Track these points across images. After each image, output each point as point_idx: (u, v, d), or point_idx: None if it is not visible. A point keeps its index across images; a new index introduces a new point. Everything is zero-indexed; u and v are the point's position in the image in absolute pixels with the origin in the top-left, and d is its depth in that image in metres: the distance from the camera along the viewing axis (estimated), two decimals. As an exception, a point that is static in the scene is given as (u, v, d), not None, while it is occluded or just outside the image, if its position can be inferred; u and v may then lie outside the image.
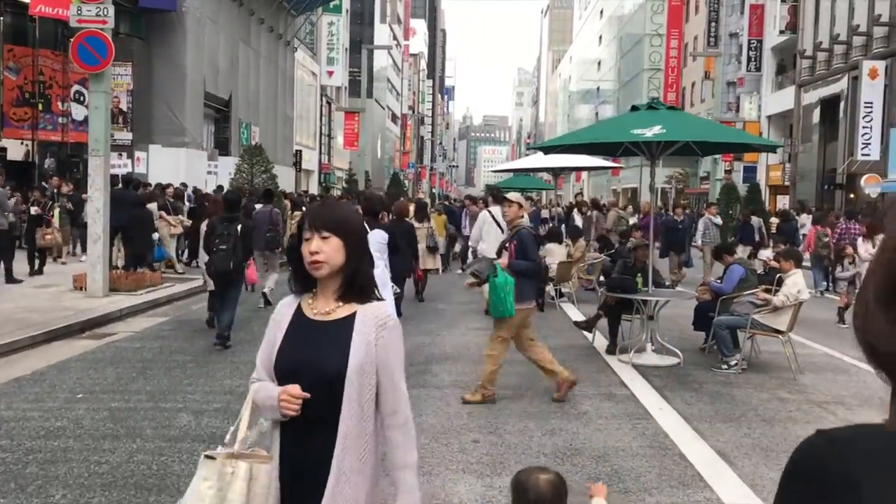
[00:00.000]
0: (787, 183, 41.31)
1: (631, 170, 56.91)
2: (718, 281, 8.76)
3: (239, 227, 8.74)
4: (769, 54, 44.39)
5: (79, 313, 10.24)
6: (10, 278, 12.70)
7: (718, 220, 16.13)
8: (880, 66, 31.87)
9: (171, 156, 26.31)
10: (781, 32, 40.98)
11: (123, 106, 26.24)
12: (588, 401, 6.69)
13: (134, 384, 7.09)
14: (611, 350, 8.62)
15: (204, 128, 29.84)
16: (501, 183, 28.24)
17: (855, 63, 33.40)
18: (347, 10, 56.98)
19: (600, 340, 9.20)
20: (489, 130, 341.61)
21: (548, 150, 9.41)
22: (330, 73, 51.69)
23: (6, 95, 22.62)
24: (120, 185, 15.08)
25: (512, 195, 7.09)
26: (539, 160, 15.41)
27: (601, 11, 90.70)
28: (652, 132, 7.22)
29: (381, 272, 7.10)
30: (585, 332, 9.33)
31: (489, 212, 12.32)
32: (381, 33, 68.46)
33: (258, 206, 13.08)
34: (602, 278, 13.75)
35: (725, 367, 7.85)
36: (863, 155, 31.80)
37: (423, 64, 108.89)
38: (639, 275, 8.54)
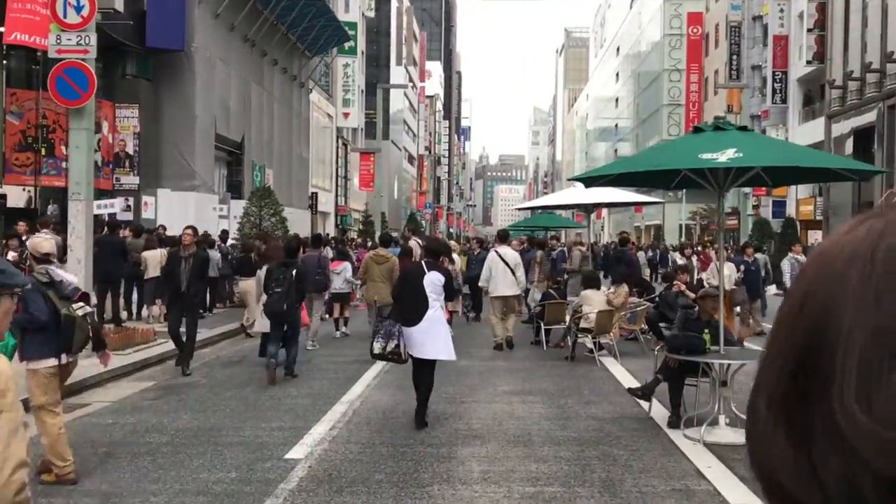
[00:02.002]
0: (819, 217, 39.73)
1: (654, 205, 55.53)
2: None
3: (294, 272, 9.56)
4: (795, 86, 43.20)
5: (49, 380, 8.89)
6: None
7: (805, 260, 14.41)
8: (918, 93, 30.51)
9: (181, 200, 25.22)
10: (808, 63, 39.77)
11: (130, 149, 25.29)
12: (660, 501, 5.21)
13: (89, 481, 5.70)
14: (674, 423, 7.13)
15: (215, 171, 28.83)
16: (522, 222, 26.92)
17: (890, 91, 32.01)
18: (363, 52, 56.54)
19: (658, 408, 7.72)
20: (505, 170, 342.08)
21: (591, 182, 8.06)
22: (346, 115, 51.02)
23: (8, 140, 21.73)
24: (106, 231, 13.79)
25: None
26: (569, 196, 14.02)
27: (617, 49, 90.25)
28: (725, 157, 5.85)
29: (437, 313, 7.35)
30: (640, 400, 7.84)
31: (496, 252, 12.74)
32: (397, 75, 68.11)
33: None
34: (644, 327, 12.31)
35: (821, 445, 6.35)
36: (903, 186, 30.29)
37: (440, 105, 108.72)
38: (706, 330, 7.08)
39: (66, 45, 10.29)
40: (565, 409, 8.01)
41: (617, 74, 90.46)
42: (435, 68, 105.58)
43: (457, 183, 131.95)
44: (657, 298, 12.68)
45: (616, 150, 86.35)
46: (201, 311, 15.78)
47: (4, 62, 21.89)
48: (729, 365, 6.85)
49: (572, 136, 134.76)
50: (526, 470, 5.92)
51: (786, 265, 13.93)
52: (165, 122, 25.68)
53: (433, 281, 7.34)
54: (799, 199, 41.98)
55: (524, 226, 28.18)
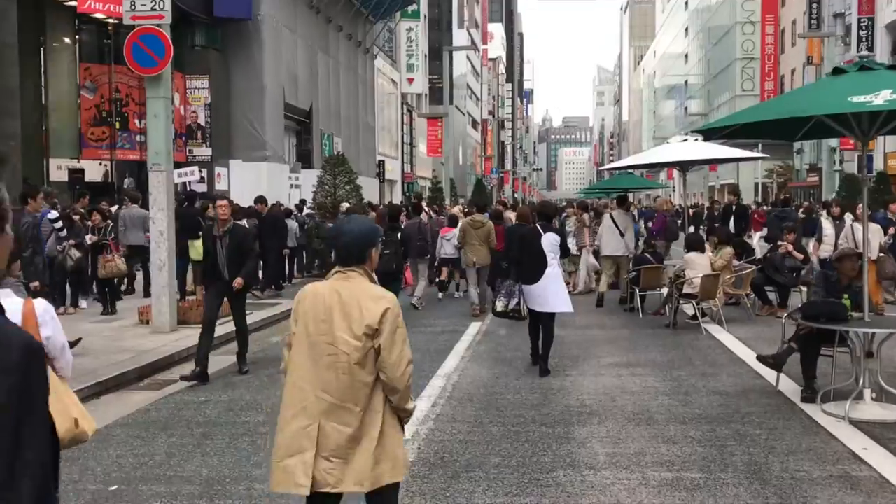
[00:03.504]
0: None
1: (729, 164, 53.53)
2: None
3: (399, 235, 10.50)
4: (883, 33, 40.83)
5: (138, 356, 8.71)
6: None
7: None
8: None
9: (253, 170, 25.19)
10: (899, 7, 37.44)
11: (202, 120, 25.27)
12: (820, 490, 4.62)
13: (188, 464, 5.40)
14: (809, 397, 6.48)
15: (285, 140, 28.69)
16: (600, 183, 26.12)
17: None
18: (425, 16, 55.70)
19: (784, 381, 7.06)
20: (569, 132, 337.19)
21: (712, 134, 7.34)
22: (410, 81, 50.44)
23: (83, 115, 21.88)
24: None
25: None
26: (661, 153, 13.22)
27: (686, 3, 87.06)
28: (882, 99, 5.13)
29: (555, 270, 7.92)
30: (771, 369, 7.14)
31: (611, 216, 13.23)
32: (460, 38, 67.06)
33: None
34: (749, 292, 11.54)
35: None
36: None
37: (502, 68, 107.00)
38: (845, 295, 6.38)
39: (141, 11, 9.98)
40: (681, 383, 7.42)
41: (686, 29, 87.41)
42: (497, 30, 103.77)
43: (520, 147, 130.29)
44: (762, 261, 11.88)
45: (686, 108, 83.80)
46: (273, 286, 15.57)
47: (77, 36, 22.00)
48: (874, 334, 6.15)
49: (639, 94, 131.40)
50: (656, 452, 5.37)
51: None
52: (235, 92, 25.57)
53: (551, 241, 7.94)
54: (887, 152, 39.87)
55: (600, 188, 27.31)
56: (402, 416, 3.18)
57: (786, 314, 7.30)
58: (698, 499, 4.52)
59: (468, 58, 73.00)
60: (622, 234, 12.78)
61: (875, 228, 10.76)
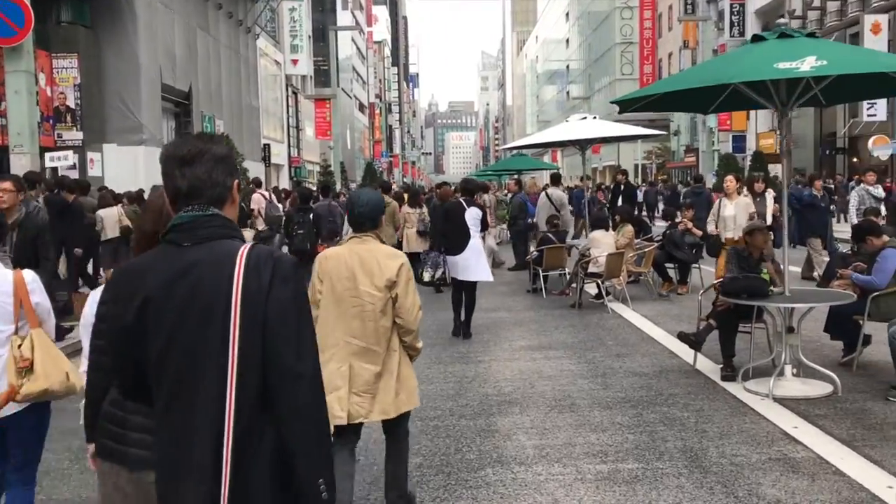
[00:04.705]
0: (778, 151, 39.57)
1: (609, 146, 54.80)
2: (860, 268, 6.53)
3: (311, 216, 11.04)
4: (753, 18, 42.66)
5: None
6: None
7: (879, 192, 11.90)
8: (883, 20, 30.14)
9: (129, 155, 23.68)
10: (768, -7, 39.14)
11: (71, 102, 23.49)
12: (762, 475, 4.40)
13: (66, 487, 4.70)
14: (729, 375, 6.34)
15: (163, 123, 27.16)
16: (494, 165, 26.03)
17: (854, 19, 31.63)
18: (309, -4, 54.30)
19: (701, 359, 6.93)
20: (455, 117, 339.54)
21: (630, 105, 7.01)
22: (295, 62, 49.03)
23: (-73, 96, 19.91)
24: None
25: None
26: (561, 132, 13.00)
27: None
28: (808, 65, 4.96)
29: (476, 241, 8.44)
30: (687, 346, 6.99)
31: (546, 194, 14.10)
32: (344, 20, 65.91)
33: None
34: (651, 270, 11.51)
35: (906, 395, 5.63)
36: (868, 116, 30.08)
37: (388, 51, 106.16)
38: (763, 271, 6.27)
39: (-5, -26, 8.91)
40: (597, 365, 7.18)
41: (567, 14, 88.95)
42: (381, 13, 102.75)
43: (408, 131, 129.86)
44: (662, 238, 11.87)
45: (568, 93, 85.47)
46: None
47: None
48: (793, 309, 6.05)
49: (522, 79, 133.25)
50: (586, 442, 5.06)
51: (854, 198, 11.88)
52: (108, 72, 23.91)
53: (473, 216, 8.44)
54: (759, 132, 41.73)
55: (493, 170, 27.21)
56: (413, 354, 3.85)
57: (701, 291, 7.16)
58: (640, 492, 4.22)
59: (353, 40, 71.92)
60: (558, 211, 13.30)
61: (745, 203, 10.37)
